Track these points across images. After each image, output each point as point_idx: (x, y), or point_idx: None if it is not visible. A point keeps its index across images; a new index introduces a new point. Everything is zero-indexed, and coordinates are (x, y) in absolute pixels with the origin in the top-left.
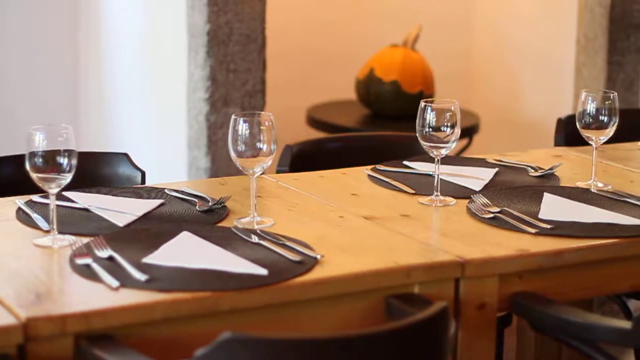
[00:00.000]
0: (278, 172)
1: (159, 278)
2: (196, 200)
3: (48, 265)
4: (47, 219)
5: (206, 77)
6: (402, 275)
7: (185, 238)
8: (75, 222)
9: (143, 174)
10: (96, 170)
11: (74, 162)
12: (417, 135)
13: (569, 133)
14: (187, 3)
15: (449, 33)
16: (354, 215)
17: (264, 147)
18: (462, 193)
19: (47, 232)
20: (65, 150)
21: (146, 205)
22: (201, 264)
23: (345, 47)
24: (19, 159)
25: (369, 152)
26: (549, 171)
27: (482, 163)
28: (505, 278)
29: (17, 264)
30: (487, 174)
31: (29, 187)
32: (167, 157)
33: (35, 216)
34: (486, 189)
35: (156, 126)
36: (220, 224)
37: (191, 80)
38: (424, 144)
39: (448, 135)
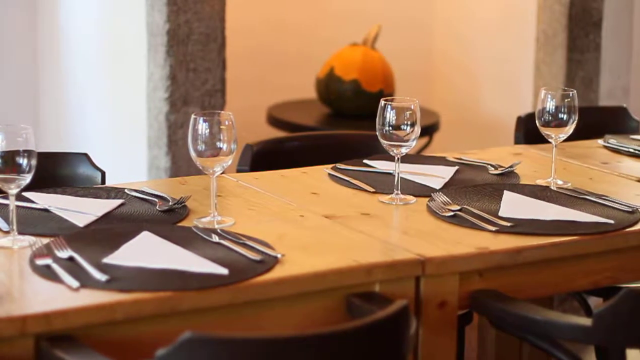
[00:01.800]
0: (238, 171)
1: (119, 278)
2: (156, 200)
3: (8, 266)
4: (6, 219)
5: (166, 77)
6: (363, 273)
7: (146, 238)
8: (35, 222)
9: (103, 174)
10: (56, 171)
11: (34, 162)
12: (377, 133)
13: (528, 131)
14: (146, 2)
15: (408, 32)
16: (315, 214)
17: (224, 146)
18: (422, 191)
19: (7, 232)
20: (24, 151)
21: (106, 205)
22: (162, 264)
23: (305, 46)
24: None
25: (329, 151)
26: (509, 169)
27: (442, 161)
28: (465, 276)
29: None
30: (447, 172)
31: None
32: (127, 157)
33: None
34: (446, 187)
35: (116, 126)
36: (180, 224)
37: (151, 80)
38: (384, 143)
39: (408, 134)
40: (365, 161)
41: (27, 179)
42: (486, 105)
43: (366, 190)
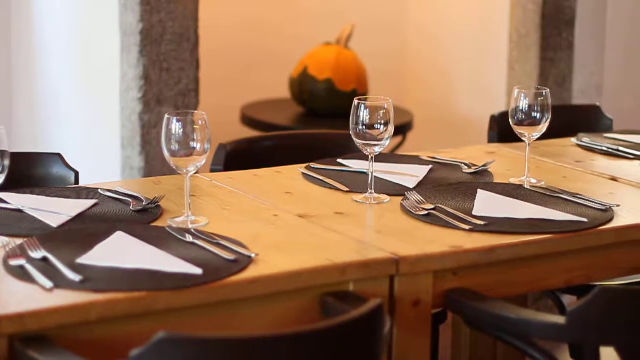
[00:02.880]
0: (212, 171)
1: (93, 278)
2: (130, 200)
3: None
4: None
5: (139, 77)
6: (337, 273)
7: (120, 238)
8: (8, 223)
9: (77, 174)
10: (29, 171)
11: (7, 162)
12: (351, 133)
13: (502, 130)
14: (119, 2)
15: (382, 32)
16: (289, 214)
17: (198, 146)
18: (396, 190)
19: None
20: None
21: (80, 205)
22: (135, 264)
23: (278, 46)
24: None
25: (303, 151)
26: (483, 168)
27: (416, 160)
28: (439, 275)
29: None
30: (421, 171)
31: None
32: (101, 157)
33: None
34: (420, 186)
35: (90, 126)
36: (154, 224)
37: (124, 80)
38: (358, 142)
39: (382, 133)
40: (339, 160)
41: (0, 179)
42: (460, 104)
43: (340, 190)
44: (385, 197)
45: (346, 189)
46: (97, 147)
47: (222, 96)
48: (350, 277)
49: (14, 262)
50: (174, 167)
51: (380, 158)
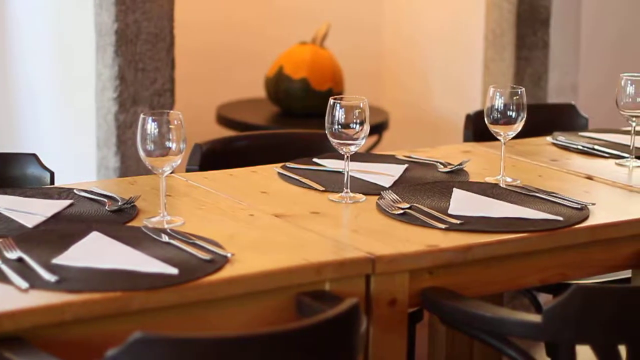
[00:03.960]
0: (188, 171)
1: (68, 279)
2: (105, 200)
3: None
4: None
5: (115, 76)
6: (313, 272)
7: (95, 238)
8: None
9: (52, 174)
10: (4, 171)
11: None
12: (326, 132)
13: (477, 129)
14: (94, 2)
15: (357, 31)
16: (264, 213)
17: (173, 146)
18: (372, 189)
19: None
20: None
21: (55, 205)
22: (111, 264)
23: (254, 45)
24: None
25: (278, 150)
26: (458, 167)
27: (391, 159)
28: (415, 274)
29: None
30: (397, 170)
31: None
32: (76, 157)
33: None
34: (396, 185)
35: (65, 126)
36: (130, 224)
37: (99, 80)
38: (334, 141)
39: (357, 132)
40: (314, 160)
41: None
42: (435, 103)
43: (316, 189)
44: (361, 197)
45: (322, 188)
46: (73, 147)
47: (197, 96)
48: (326, 276)
49: None
50: (150, 167)
51: (356, 157)
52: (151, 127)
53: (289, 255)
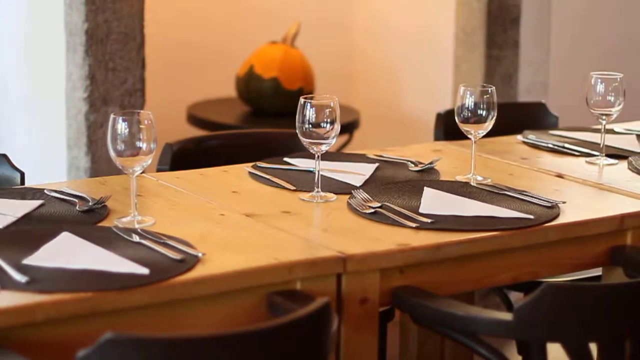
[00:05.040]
0: (158, 170)
1: (39, 279)
2: (76, 201)
3: None
4: None
5: (85, 76)
6: (284, 271)
7: (66, 238)
8: None
9: (22, 174)
10: None
11: None
12: (297, 131)
13: (448, 127)
14: (64, 2)
15: (327, 30)
16: (235, 213)
17: (144, 145)
18: (342, 189)
19: None
20: None
21: (25, 206)
22: (82, 265)
23: (224, 44)
24: None
25: (249, 150)
26: (429, 165)
27: (362, 158)
28: (386, 273)
29: None
30: (368, 169)
31: None
32: (47, 157)
33: None
34: (367, 184)
35: (35, 126)
36: (100, 224)
37: (70, 80)
38: (304, 140)
39: (328, 132)
40: (285, 159)
41: None
42: (406, 102)
43: (287, 188)
44: (332, 196)
45: (293, 187)
46: (43, 148)
47: (168, 95)
48: (297, 275)
49: None
50: (120, 167)
51: (326, 156)
52: (122, 127)
53: (260, 254)
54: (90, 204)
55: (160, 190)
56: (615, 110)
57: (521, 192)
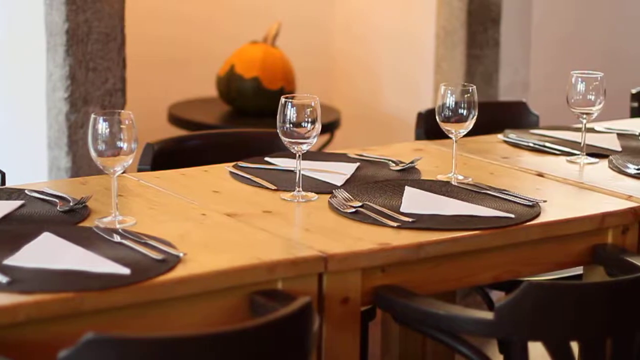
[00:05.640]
0: (139, 170)
1: (20, 280)
2: (57, 201)
3: None
4: None
5: (66, 76)
6: (265, 271)
7: (47, 239)
8: None
9: (3, 175)
10: None
11: None
12: (278, 131)
13: (429, 127)
14: (45, 2)
15: (308, 30)
16: (216, 213)
17: (125, 145)
18: (324, 188)
19: None
20: None
21: (6, 206)
22: (63, 265)
23: (205, 44)
24: None
25: (230, 149)
26: (410, 165)
27: (343, 158)
28: (368, 272)
29: None
30: (349, 168)
31: None
32: (28, 157)
33: None
34: (348, 184)
35: (16, 127)
36: (81, 224)
37: (50, 80)
38: (285, 140)
39: (309, 131)
40: (266, 159)
41: None
42: (387, 101)
43: (268, 188)
44: (313, 195)
45: (274, 187)
46: (24, 148)
47: (149, 95)
48: (278, 275)
49: None
50: (101, 167)
51: (307, 156)
52: (102, 127)
53: (241, 254)
54: (71, 204)
55: (141, 190)
56: (595, 109)
57: (502, 191)
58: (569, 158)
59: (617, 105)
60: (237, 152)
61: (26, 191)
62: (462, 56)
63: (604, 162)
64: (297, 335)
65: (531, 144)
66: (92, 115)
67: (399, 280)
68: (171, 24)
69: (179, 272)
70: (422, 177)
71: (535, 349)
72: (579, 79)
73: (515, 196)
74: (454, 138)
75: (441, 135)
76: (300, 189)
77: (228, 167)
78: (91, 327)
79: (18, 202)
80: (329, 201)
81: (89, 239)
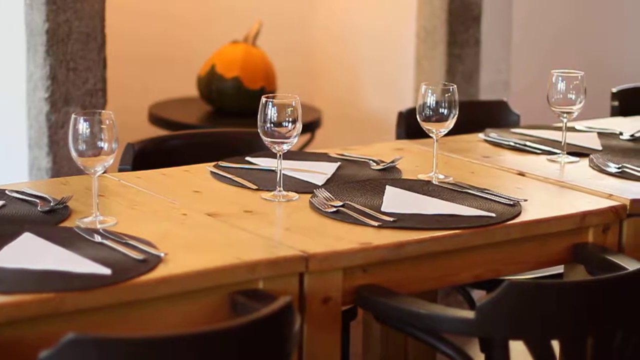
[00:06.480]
0: (120, 170)
1: (1, 280)
2: (38, 201)
3: None
4: None
5: (46, 76)
6: (246, 271)
7: (27, 239)
8: None
9: None
10: None
11: None
12: (259, 131)
13: (410, 126)
14: (25, 2)
15: (289, 30)
16: (197, 213)
17: (105, 145)
18: (305, 188)
19: None
20: None
21: None
22: (44, 265)
23: (186, 44)
24: None
25: (211, 149)
26: (391, 164)
27: (324, 157)
28: (349, 271)
29: None
30: (330, 168)
31: None
32: (8, 157)
33: None
34: (329, 183)
35: None
36: (62, 224)
37: (31, 80)
38: (266, 140)
39: (290, 131)
40: (247, 158)
41: None
42: (368, 101)
43: (249, 188)
44: (294, 195)
45: (255, 187)
46: (4, 148)
47: (129, 95)
48: (259, 275)
49: None
50: (82, 167)
51: (288, 155)
52: (83, 127)
53: (222, 254)
54: (51, 204)
55: (122, 190)
56: (576, 108)
57: (483, 190)
58: (549, 157)
59: (598, 104)
60: (218, 152)
61: (6, 191)
62: (443, 55)
63: (585, 161)
64: (278, 335)
65: (512, 143)
66: (73, 116)
67: (380, 279)
68: (152, 24)
69: (160, 272)
70: (403, 177)
71: (517, 348)
72: (560, 78)
73: (496, 195)
74: (434, 137)
75: (422, 134)
76: (281, 188)
77: (209, 167)
78: (72, 328)
79: None
80: (310, 201)
81: (70, 239)
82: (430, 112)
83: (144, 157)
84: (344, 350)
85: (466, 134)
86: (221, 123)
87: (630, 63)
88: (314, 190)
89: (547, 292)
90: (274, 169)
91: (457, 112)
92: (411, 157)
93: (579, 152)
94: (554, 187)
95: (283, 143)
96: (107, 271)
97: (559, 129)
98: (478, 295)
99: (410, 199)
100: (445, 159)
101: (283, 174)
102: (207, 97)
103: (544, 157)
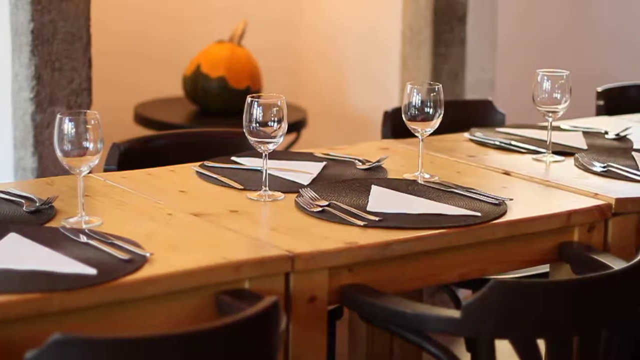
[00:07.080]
0: (106, 170)
1: None
2: (23, 201)
3: None
4: None
5: (31, 77)
6: (232, 271)
7: (13, 239)
8: None
9: None
10: None
11: None
12: (244, 130)
13: (395, 125)
14: (10, 1)
15: (275, 29)
16: (183, 213)
17: (91, 145)
18: (290, 187)
19: None
20: None
21: None
22: (29, 265)
23: (171, 44)
24: None
25: (196, 149)
26: (376, 164)
27: (310, 157)
28: (334, 271)
29: None
30: (315, 167)
31: None
32: None
33: None
34: (314, 183)
35: None
36: (48, 225)
37: (16, 80)
38: (252, 140)
39: (275, 130)
40: (233, 158)
41: None
42: (353, 100)
43: (234, 188)
44: (279, 195)
45: (240, 186)
46: None
47: (115, 95)
48: (245, 275)
49: None
50: (67, 167)
51: (274, 155)
52: (68, 127)
53: (208, 254)
54: (37, 204)
55: (108, 190)
56: (561, 108)
57: (468, 190)
58: (535, 156)
59: (584, 103)
60: (203, 152)
61: None
62: (428, 55)
63: (570, 160)
64: (264, 334)
65: (497, 143)
66: (58, 116)
67: (366, 279)
68: (137, 24)
69: (145, 272)
70: (389, 176)
71: (503, 347)
72: (545, 77)
73: (482, 194)
74: (420, 137)
75: (407, 134)
76: (267, 188)
77: (194, 166)
78: (58, 328)
79: None
80: (295, 200)
81: (55, 240)
82: (416, 112)
83: (129, 157)
84: (330, 349)
85: (451, 133)
86: (207, 123)
87: (614, 62)
88: (300, 190)
89: (533, 291)
90: (259, 168)
91: (443, 112)
92: (397, 157)
93: (564, 152)
94: (539, 187)
95: (268, 143)
96: (92, 271)
97: (544, 128)
98: (464, 294)
99: (396, 198)
100: (431, 158)
101: (269, 174)
102: (192, 97)
103: (529, 157)
